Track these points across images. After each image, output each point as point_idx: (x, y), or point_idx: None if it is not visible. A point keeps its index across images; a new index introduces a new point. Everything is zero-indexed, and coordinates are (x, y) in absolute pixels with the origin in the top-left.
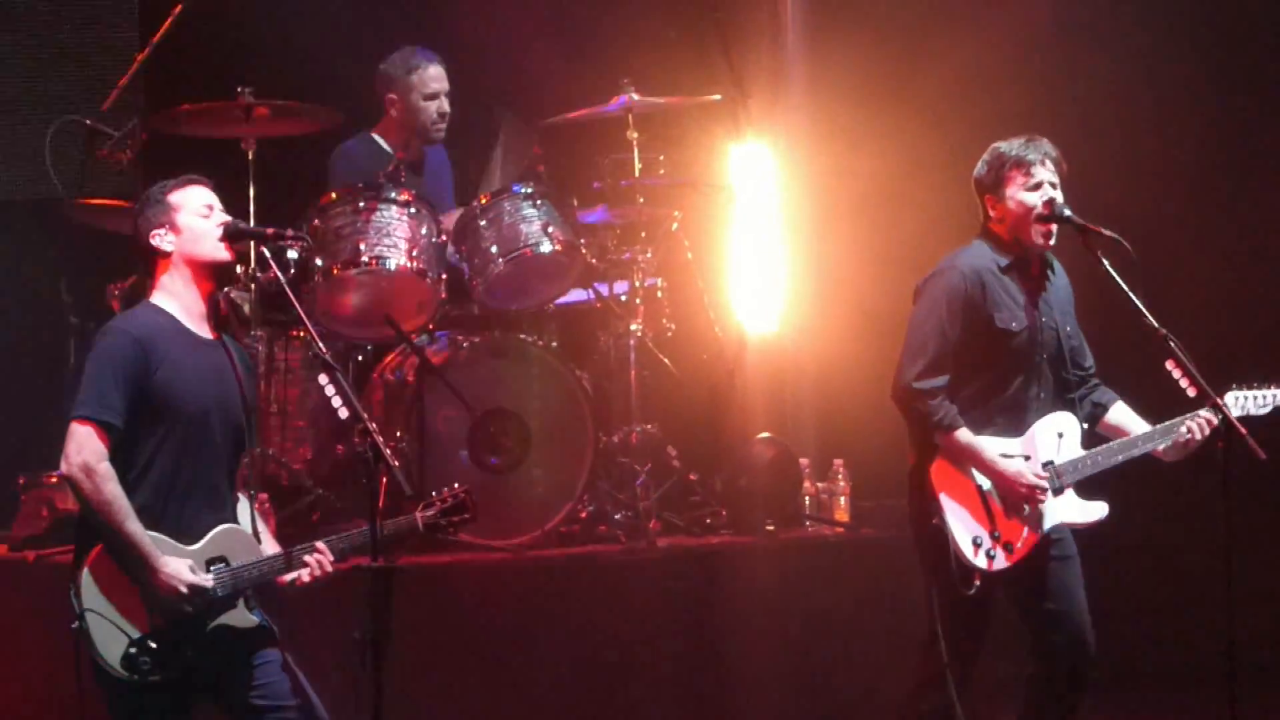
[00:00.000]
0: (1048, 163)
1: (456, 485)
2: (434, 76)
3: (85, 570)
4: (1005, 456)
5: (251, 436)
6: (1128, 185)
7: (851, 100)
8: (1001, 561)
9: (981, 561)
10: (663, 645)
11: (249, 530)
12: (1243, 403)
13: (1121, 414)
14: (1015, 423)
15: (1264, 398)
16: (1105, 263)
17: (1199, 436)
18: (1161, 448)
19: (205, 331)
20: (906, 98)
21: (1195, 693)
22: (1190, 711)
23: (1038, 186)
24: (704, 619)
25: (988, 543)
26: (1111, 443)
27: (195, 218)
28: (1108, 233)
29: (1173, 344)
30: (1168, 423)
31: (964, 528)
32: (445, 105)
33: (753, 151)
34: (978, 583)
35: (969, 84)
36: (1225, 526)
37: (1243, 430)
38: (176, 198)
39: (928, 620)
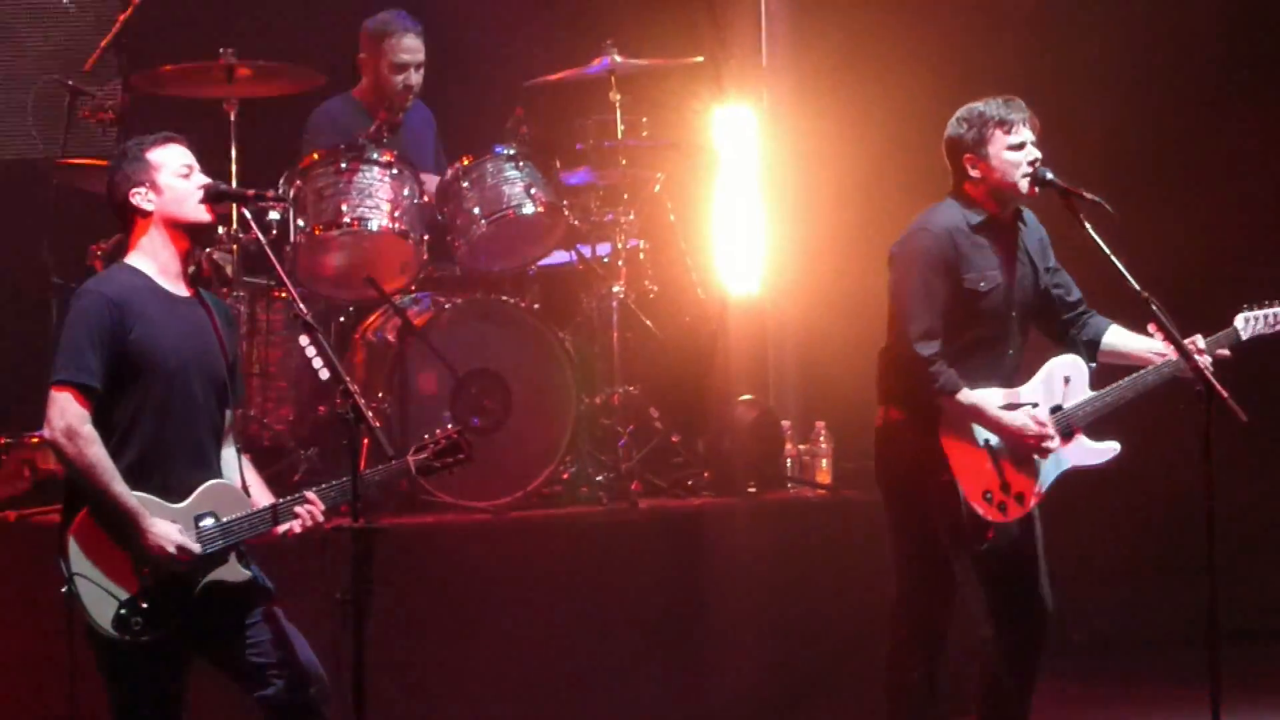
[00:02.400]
0: (1027, 123)
1: (450, 426)
2: (406, 48)
3: (71, 534)
4: (1014, 407)
5: (236, 391)
6: (1108, 151)
7: (835, 62)
8: (1014, 512)
9: (994, 515)
10: (644, 606)
11: (237, 484)
12: (1253, 324)
13: (1115, 337)
14: (997, 379)
15: (1275, 316)
16: (1088, 226)
17: (1209, 371)
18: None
19: (182, 289)
20: (889, 58)
21: (1177, 657)
22: (1171, 674)
23: (1021, 146)
24: (686, 580)
25: (998, 497)
26: (1121, 381)
27: (176, 178)
28: (1089, 196)
29: (1155, 307)
30: (1170, 360)
31: (973, 487)
32: (413, 78)
33: (735, 114)
34: (990, 536)
35: (953, 46)
36: (1206, 489)
37: (1224, 393)
38: (156, 156)
39: (901, 583)
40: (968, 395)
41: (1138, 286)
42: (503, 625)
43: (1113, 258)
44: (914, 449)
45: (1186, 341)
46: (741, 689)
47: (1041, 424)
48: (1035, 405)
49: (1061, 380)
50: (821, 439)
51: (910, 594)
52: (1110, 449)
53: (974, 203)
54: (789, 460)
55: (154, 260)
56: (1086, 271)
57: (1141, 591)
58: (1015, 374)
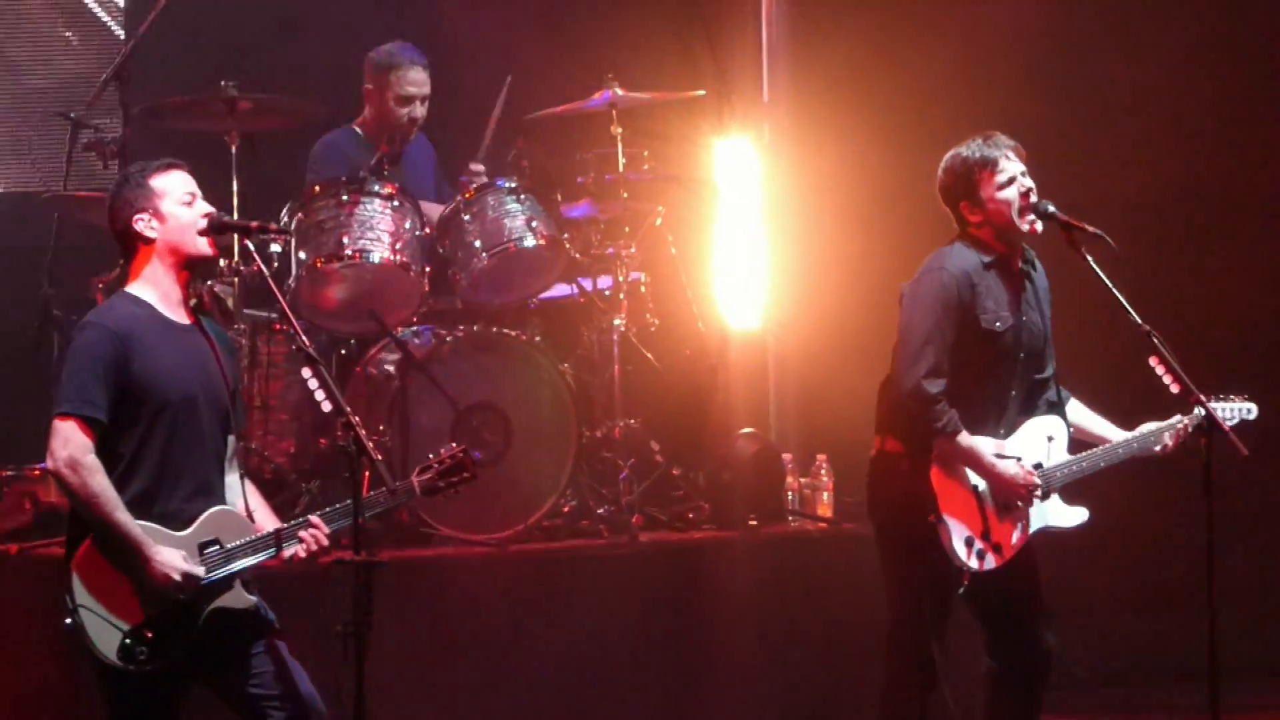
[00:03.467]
0: (1011, 155)
1: (454, 445)
2: (412, 80)
3: (74, 567)
4: (1000, 457)
5: (237, 418)
6: (1109, 179)
7: (835, 95)
8: (991, 562)
9: (974, 562)
10: (645, 639)
11: (241, 510)
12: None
13: (1078, 414)
14: (996, 422)
15: (1230, 410)
16: (1089, 258)
17: (1171, 447)
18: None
19: (183, 317)
20: (890, 93)
21: (1177, 690)
22: (1172, 709)
23: (1010, 181)
24: (686, 614)
25: (979, 544)
26: (1096, 449)
27: (179, 206)
28: (1091, 229)
29: (1156, 340)
30: (1147, 431)
31: (958, 528)
32: (418, 111)
33: (736, 147)
34: (966, 583)
35: (952, 78)
36: (1208, 522)
37: (1225, 425)
38: (159, 183)
39: (893, 616)
40: (966, 438)
41: (1140, 320)
42: (503, 658)
43: (1115, 291)
44: (907, 483)
45: (1142, 430)
46: None
47: (1032, 474)
48: (1020, 459)
49: (1045, 438)
50: (822, 472)
51: (901, 624)
52: (1080, 514)
53: (983, 244)
54: (790, 493)
55: (155, 288)
56: (1088, 305)
57: (1146, 626)
58: (1014, 420)
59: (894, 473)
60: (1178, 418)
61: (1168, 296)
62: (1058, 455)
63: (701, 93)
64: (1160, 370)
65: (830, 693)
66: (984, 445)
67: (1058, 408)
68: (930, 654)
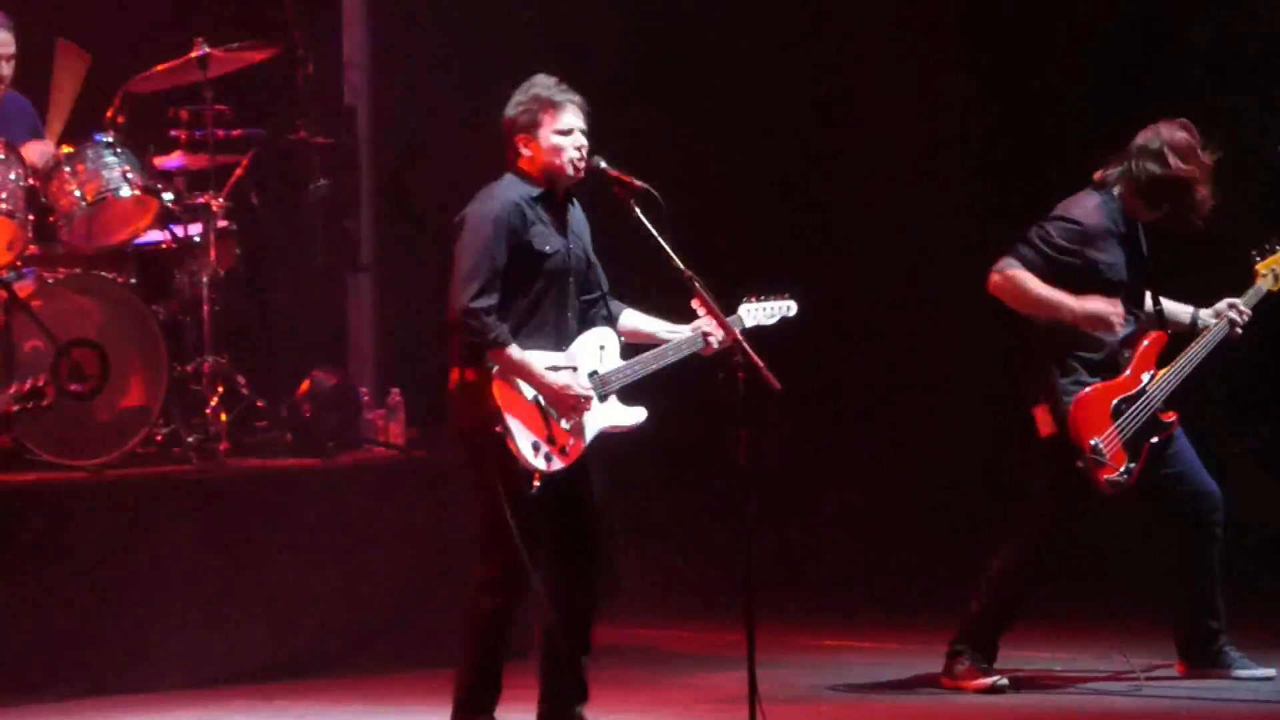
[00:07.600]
0: (579, 113)
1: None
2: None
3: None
4: (553, 369)
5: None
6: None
7: (413, 53)
8: (558, 464)
9: (541, 464)
10: (227, 561)
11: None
12: (754, 314)
13: (631, 319)
14: (555, 339)
15: (771, 309)
16: (638, 211)
17: (716, 345)
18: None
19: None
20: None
21: None
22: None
23: (570, 131)
24: (273, 535)
25: (545, 447)
26: (646, 353)
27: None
28: (640, 184)
29: (698, 284)
30: (687, 335)
31: (523, 434)
32: (5, 70)
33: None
34: (537, 483)
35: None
36: (743, 453)
37: (760, 363)
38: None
39: (483, 529)
40: (517, 351)
41: (681, 265)
42: (99, 581)
43: (660, 239)
44: (476, 404)
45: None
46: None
47: (586, 386)
48: (575, 369)
49: (598, 347)
50: (396, 404)
51: (493, 538)
52: (638, 414)
53: (531, 179)
54: (367, 422)
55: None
56: (632, 252)
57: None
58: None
59: (470, 400)
60: (699, 322)
61: None
62: (610, 362)
63: (281, 50)
64: (702, 310)
65: (394, 612)
66: (535, 358)
67: (611, 321)
68: (520, 561)
